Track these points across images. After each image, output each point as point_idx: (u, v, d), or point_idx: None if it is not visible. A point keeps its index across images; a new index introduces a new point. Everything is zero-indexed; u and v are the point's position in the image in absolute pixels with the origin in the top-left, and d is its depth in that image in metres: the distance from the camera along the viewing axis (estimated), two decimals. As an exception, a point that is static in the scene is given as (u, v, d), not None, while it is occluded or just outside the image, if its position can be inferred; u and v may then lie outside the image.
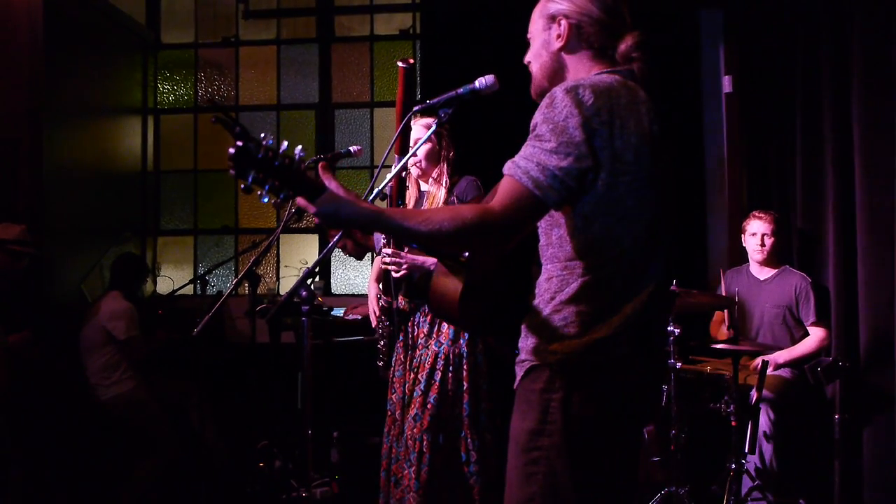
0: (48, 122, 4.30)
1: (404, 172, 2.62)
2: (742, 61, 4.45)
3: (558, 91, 1.50)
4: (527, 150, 1.50)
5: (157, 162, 5.66)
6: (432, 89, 4.79)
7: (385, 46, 5.53)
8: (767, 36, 4.25)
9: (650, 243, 1.57)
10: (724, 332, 3.85)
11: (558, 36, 1.65)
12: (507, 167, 1.50)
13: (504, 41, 4.56)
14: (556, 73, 1.68)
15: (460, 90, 1.89)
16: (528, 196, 1.46)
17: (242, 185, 1.35)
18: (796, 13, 3.94)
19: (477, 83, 1.90)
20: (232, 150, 1.30)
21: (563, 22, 1.64)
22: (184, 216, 5.68)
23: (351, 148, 2.70)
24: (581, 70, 1.65)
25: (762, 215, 3.77)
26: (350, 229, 1.54)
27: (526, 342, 1.59)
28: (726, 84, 4.57)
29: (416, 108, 1.93)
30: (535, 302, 1.59)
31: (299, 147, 1.41)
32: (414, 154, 2.69)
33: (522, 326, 1.61)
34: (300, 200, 1.44)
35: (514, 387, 1.62)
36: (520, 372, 1.59)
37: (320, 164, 1.45)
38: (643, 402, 1.66)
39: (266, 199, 1.37)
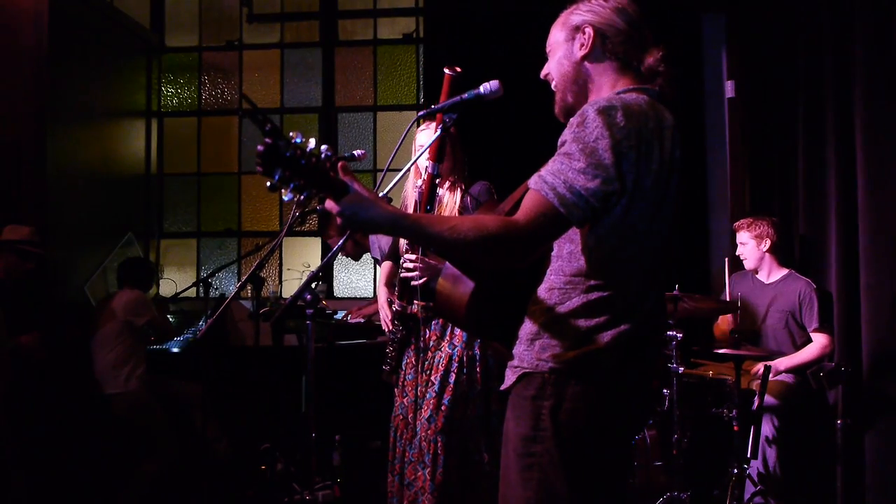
0: (52, 124, 4.32)
1: (437, 179, 2.61)
2: (744, 66, 4.45)
3: (590, 110, 1.49)
4: (554, 166, 1.49)
5: (161, 165, 5.67)
6: (435, 94, 4.80)
7: (388, 50, 5.54)
8: (770, 40, 4.26)
9: (655, 267, 1.59)
10: (724, 327, 3.84)
11: (582, 45, 1.64)
12: (534, 181, 1.50)
13: (507, 46, 4.58)
14: (579, 83, 1.66)
15: (465, 95, 1.90)
16: (552, 212, 1.46)
17: (269, 184, 1.33)
18: (799, 17, 3.95)
19: (482, 88, 1.90)
20: (261, 148, 1.28)
21: (588, 30, 1.63)
22: (187, 219, 5.70)
23: (354, 152, 2.70)
24: (605, 82, 1.64)
25: (741, 224, 3.81)
26: (371, 232, 1.53)
27: (519, 348, 1.61)
28: (729, 88, 4.57)
29: (420, 114, 1.93)
30: (532, 310, 1.61)
31: (325, 146, 1.39)
32: (433, 158, 2.67)
33: (519, 332, 1.62)
34: (328, 203, 1.43)
35: (502, 388, 1.65)
36: (511, 376, 1.61)
37: (340, 164, 1.42)
38: (634, 412, 1.67)
39: (289, 198, 1.35)
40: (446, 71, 2.33)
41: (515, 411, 1.59)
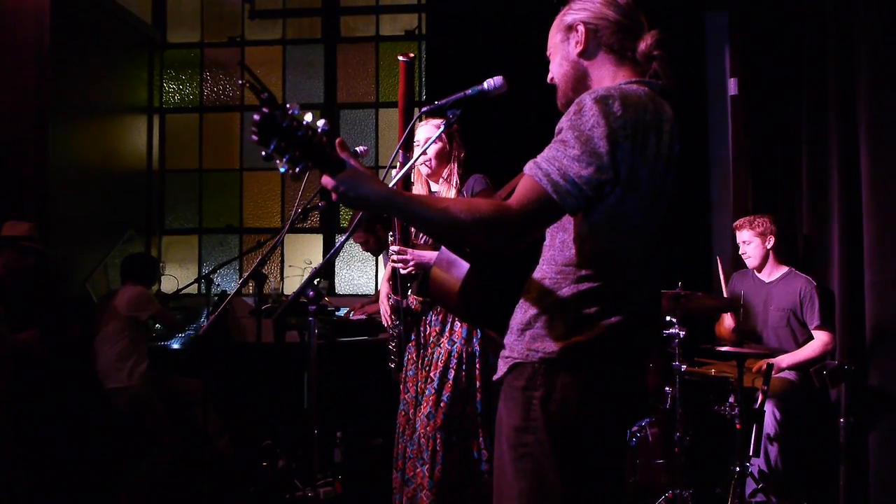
0: (54, 120, 4.31)
1: (412, 170, 2.62)
2: (747, 63, 4.45)
3: (588, 98, 1.49)
4: (550, 153, 1.49)
5: (163, 161, 5.67)
6: (437, 90, 4.79)
7: (390, 47, 5.54)
8: (773, 38, 4.25)
9: (649, 259, 1.59)
10: (726, 328, 3.84)
11: (577, 42, 1.65)
12: (529, 167, 1.50)
13: (509, 42, 4.57)
14: (579, 81, 1.67)
15: (468, 91, 1.89)
16: (545, 198, 1.46)
17: (263, 153, 1.32)
18: (802, 15, 3.94)
19: (485, 84, 1.89)
20: (257, 117, 1.28)
21: (581, 27, 1.64)
22: (188, 215, 5.70)
23: (357, 148, 2.70)
24: (605, 76, 1.65)
25: (742, 223, 3.81)
26: (365, 209, 1.52)
27: (510, 338, 1.61)
28: (732, 86, 4.57)
29: (424, 110, 1.93)
30: (523, 300, 1.61)
31: (323, 121, 1.38)
32: (424, 153, 2.67)
33: (510, 323, 1.62)
34: (324, 179, 1.43)
35: (494, 379, 1.65)
36: (503, 366, 1.61)
37: (337, 141, 1.42)
38: (625, 403, 1.67)
39: (284, 170, 1.34)
40: (400, 58, 2.36)
41: (507, 402, 1.59)
